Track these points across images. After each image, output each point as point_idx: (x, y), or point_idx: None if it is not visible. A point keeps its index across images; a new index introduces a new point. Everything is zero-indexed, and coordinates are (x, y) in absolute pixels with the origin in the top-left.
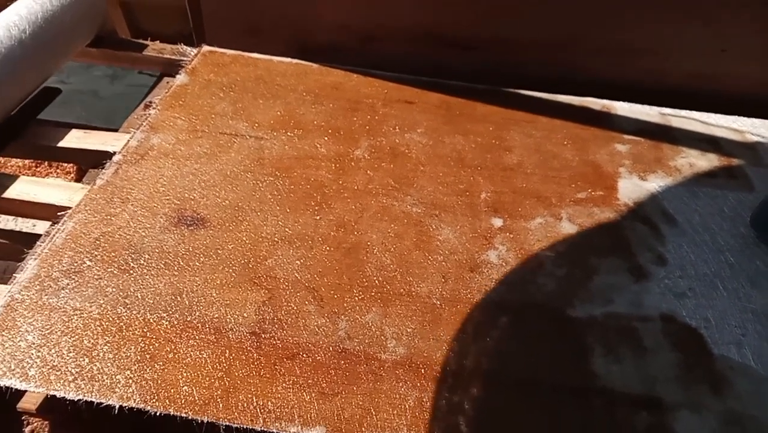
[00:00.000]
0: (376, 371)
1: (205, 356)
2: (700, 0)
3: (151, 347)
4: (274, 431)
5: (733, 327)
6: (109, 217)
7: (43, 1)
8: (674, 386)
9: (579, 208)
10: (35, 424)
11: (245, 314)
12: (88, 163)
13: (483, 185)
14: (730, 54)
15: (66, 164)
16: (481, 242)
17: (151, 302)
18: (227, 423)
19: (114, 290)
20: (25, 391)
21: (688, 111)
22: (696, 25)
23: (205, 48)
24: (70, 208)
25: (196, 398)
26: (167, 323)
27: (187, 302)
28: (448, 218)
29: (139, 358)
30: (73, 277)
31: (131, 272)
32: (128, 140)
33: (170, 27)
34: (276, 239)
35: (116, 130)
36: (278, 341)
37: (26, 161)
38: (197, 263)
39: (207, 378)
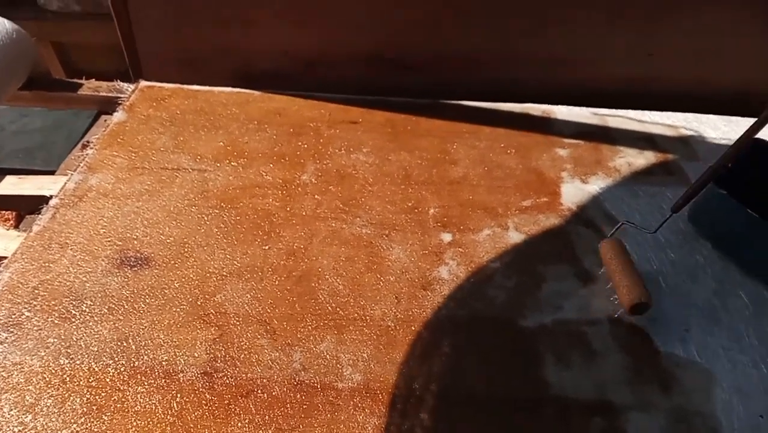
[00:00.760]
0: (333, 401)
1: (155, 402)
2: (623, 10)
3: (97, 397)
4: None
5: (677, 324)
6: (47, 264)
7: None
8: (624, 388)
9: (525, 217)
10: None
11: (196, 354)
12: (26, 208)
13: (431, 201)
14: (657, 57)
15: (5, 211)
16: (432, 259)
17: (96, 349)
18: None
19: (56, 340)
20: None
21: (624, 110)
22: (621, 33)
23: (143, 83)
24: (5, 258)
25: None
26: (113, 370)
27: (133, 347)
28: (398, 237)
29: (85, 410)
30: (12, 330)
31: (73, 320)
32: (65, 183)
33: (106, 64)
34: (224, 273)
35: (53, 173)
36: (231, 379)
37: None
38: (143, 305)
39: (158, 425)
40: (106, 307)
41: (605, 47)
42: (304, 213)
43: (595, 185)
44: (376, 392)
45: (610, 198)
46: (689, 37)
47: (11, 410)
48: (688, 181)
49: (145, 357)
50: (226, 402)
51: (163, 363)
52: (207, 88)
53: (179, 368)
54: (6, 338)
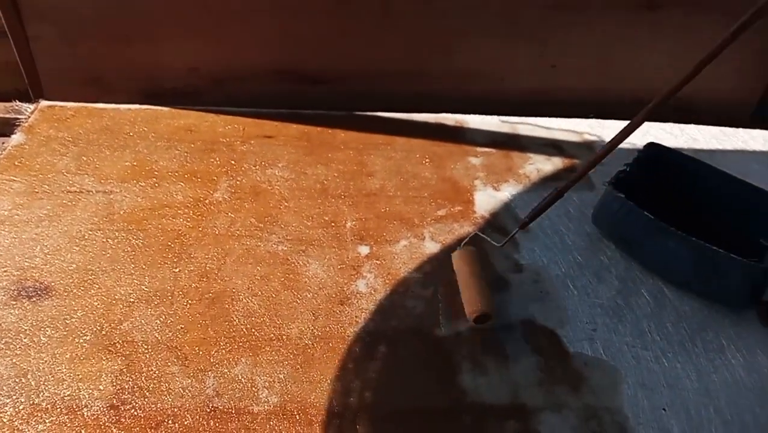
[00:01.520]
0: (248, 426)
1: None
2: (522, 26)
3: None
4: None
5: (585, 324)
6: None
7: None
8: (536, 390)
9: (440, 226)
10: None
11: (101, 387)
12: None
13: (348, 214)
14: (560, 68)
15: None
16: (349, 273)
17: None
18: None
19: None
20: None
21: (533, 117)
22: (523, 47)
23: (43, 103)
24: None
25: None
26: (11, 409)
27: (33, 383)
28: (315, 252)
29: None
30: None
31: None
32: None
33: (2, 83)
34: (132, 300)
35: None
36: (140, 411)
37: None
38: (43, 338)
39: None
40: (2, 342)
41: (510, 60)
42: (217, 232)
43: (507, 192)
44: (293, 413)
45: (521, 204)
46: (585, 48)
47: None
48: (592, 186)
49: (46, 393)
50: None
51: (66, 398)
52: (113, 105)
53: (83, 402)
54: None
